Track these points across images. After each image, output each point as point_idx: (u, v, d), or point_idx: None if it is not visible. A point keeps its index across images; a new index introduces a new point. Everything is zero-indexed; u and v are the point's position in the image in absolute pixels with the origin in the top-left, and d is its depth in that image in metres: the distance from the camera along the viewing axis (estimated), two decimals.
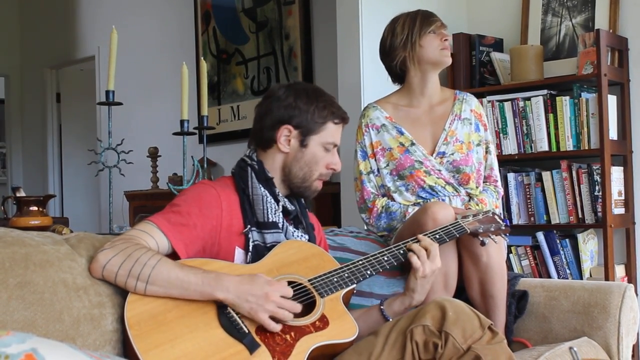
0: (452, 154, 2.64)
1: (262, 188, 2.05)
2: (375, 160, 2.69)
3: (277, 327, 1.76)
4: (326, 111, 2.09)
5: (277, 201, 2.07)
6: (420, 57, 2.64)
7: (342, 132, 2.18)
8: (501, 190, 2.76)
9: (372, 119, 2.71)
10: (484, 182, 2.73)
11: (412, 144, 2.64)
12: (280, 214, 2.07)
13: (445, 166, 2.63)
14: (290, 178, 2.10)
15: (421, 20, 2.64)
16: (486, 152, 2.74)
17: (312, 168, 2.10)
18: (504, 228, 2.32)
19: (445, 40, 2.64)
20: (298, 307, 1.79)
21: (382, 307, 2.07)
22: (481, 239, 2.24)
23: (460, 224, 2.23)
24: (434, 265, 2.03)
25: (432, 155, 2.64)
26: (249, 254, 1.97)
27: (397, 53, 2.68)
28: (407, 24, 2.66)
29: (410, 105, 2.72)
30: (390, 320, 2.02)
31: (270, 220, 2.03)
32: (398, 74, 2.74)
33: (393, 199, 2.65)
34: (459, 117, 2.70)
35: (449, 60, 2.67)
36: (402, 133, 2.66)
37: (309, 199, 2.20)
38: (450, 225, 2.22)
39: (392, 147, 2.66)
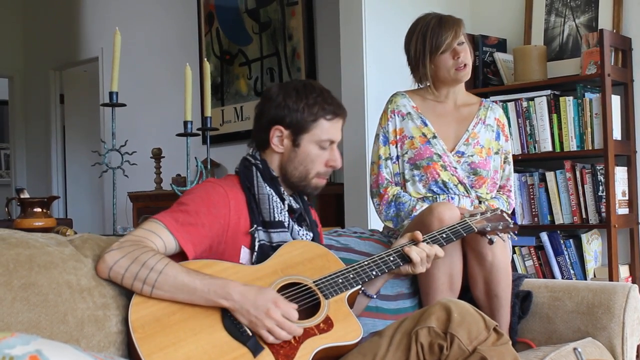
0: (472, 155, 2.64)
1: (268, 187, 2.04)
2: (396, 147, 2.69)
3: (274, 341, 1.74)
4: (316, 107, 2.03)
5: (283, 200, 2.07)
6: (435, 76, 2.65)
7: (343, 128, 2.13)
8: (513, 202, 2.76)
9: (399, 106, 2.71)
10: (497, 191, 2.73)
11: (434, 136, 2.65)
12: (286, 212, 2.07)
13: (462, 166, 2.63)
14: (288, 177, 2.08)
15: (432, 40, 2.59)
16: (504, 162, 2.74)
17: (307, 167, 2.06)
18: (512, 226, 2.30)
19: (458, 57, 2.60)
20: (298, 331, 1.77)
21: (362, 288, 2.08)
22: (489, 237, 2.23)
23: (467, 222, 2.22)
24: (429, 265, 2.08)
25: (451, 152, 2.64)
26: (255, 253, 1.96)
27: (416, 72, 2.69)
28: (419, 44, 2.62)
29: (437, 100, 2.72)
30: (368, 294, 2.08)
31: (277, 219, 2.02)
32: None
33: (406, 189, 2.65)
34: (483, 122, 2.71)
35: (464, 78, 2.65)
36: (425, 124, 2.67)
37: (311, 196, 2.18)
38: (457, 224, 2.21)
39: (414, 136, 2.66)
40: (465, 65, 2.62)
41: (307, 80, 2.15)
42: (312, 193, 2.14)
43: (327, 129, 2.06)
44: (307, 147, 2.06)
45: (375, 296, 2.13)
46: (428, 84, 2.71)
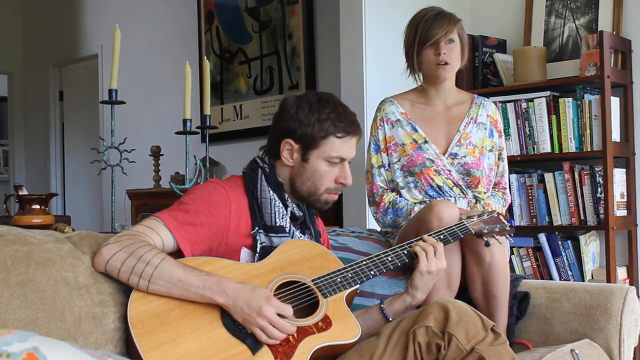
0: (464, 156, 2.64)
1: (272, 192, 2.03)
2: (387, 154, 2.69)
3: (268, 341, 1.73)
4: (327, 123, 2.00)
5: (286, 206, 2.06)
6: (421, 69, 2.66)
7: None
8: (509, 198, 2.76)
9: (387, 114, 2.71)
10: (492, 188, 2.73)
11: (425, 141, 2.65)
12: (288, 218, 2.06)
13: (455, 167, 2.62)
14: (297, 190, 2.07)
15: (422, 32, 2.59)
16: (498, 159, 2.74)
17: (316, 183, 2.04)
18: (508, 229, 2.31)
19: (439, 55, 2.58)
20: (291, 330, 1.76)
21: (382, 305, 2.06)
22: (485, 239, 2.23)
23: (464, 224, 2.22)
24: (439, 263, 2.02)
25: (444, 155, 2.64)
26: (257, 254, 1.96)
27: (406, 61, 2.70)
28: (411, 33, 2.64)
29: (426, 104, 2.72)
30: (391, 319, 2.01)
31: (278, 224, 2.02)
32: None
33: (401, 195, 2.65)
34: (474, 121, 2.70)
35: (444, 76, 2.62)
36: (416, 130, 2.67)
37: (321, 210, 2.13)
38: (454, 225, 2.21)
39: (405, 143, 2.66)
40: (446, 63, 2.59)
41: (325, 93, 2.10)
42: (322, 208, 2.11)
43: (338, 146, 2.03)
44: (316, 163, 2.03)
45: (392, 320, 2.03)
46: (420, 79, 2.72)
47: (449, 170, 2.62)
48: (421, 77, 2.70)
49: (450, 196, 2.62)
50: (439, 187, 2.61)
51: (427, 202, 2.60)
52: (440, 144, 2.66)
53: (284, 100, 2.09)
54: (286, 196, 2.06)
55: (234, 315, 1.74)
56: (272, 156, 2.09)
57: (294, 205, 2.09)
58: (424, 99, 2.73)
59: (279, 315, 1.74)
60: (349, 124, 2.04)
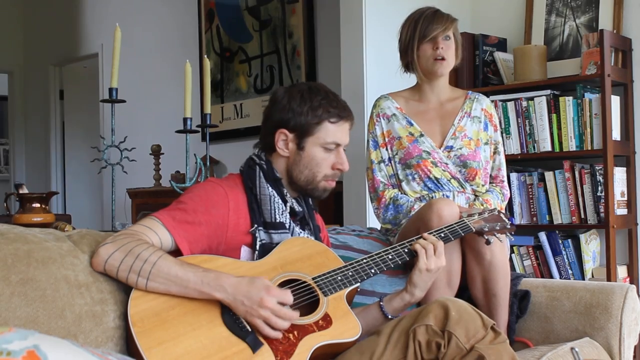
0: (460, 148, 2.66)
1: (270, 188, 2.04)
2: (387, 149, 2.72)
3: (271, 333, 1.73)
4: (320, 110, 2.03)
5: (285, 202, 2.06)
6: (418, 65, 2.68)
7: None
8: (507, 192, 2.77)
9: (383, 109, 2.75)
10: (490, 182, 2.74)
11: (421, 135, 2.68)
12: (288, 214, 2.06)
13: (452, 160, 2.65)
14: (295, 181, 2.07)
15: (422, 28, 2.64)
16: (494, 153, 2.76)
17: (313, 170, 2.06)
18: (509, 227, 2.31)
19: (437, 49, 2.63)
20: (295, 315, 1.77)
21: (381, 303, 2.06)
22: (486, 237, 2.24)
23: (465, 222, 2.22)
24: (439, 262, 2.02)
25: (440, 148, 2.66)
26: (256, 252, 1.96)
27: (402, 57, 2.74)
28: (410, 29, 2.68)
29: (420, 100, 2.76)
30: (390, 317, 2.02)
31: (278, 220, 2.02)
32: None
33: (402, 189, 2.66)
34: (468, 115, 2.73)
35: (441, 71, 2.67)
36: (411, 124, 2.70)
37: (320, 199, 2.15)
38: (455, 223, 2.21)
39: (402, 136, 2.69)
40: (443, 58, 2.64)
41: (313, 83, 2.13)
42: (320, 196, 2.12)
43: (332, 132, 2.05)
44: (312, 150, 2.05)
45: (391, 317, 2.04)
46: (415, 76, 2.74)
47: (446, 163, 2.64)
48: (416, 74, 2.71)
49: (449, 190, 2.63)
50: (436, 179, 2.62)
51: (427, 195, 2.62)
52: (436, 138, 2.70)
53: (274, 92, 2.11)
54: (285, 191, 2.07)
55: (235, 310, 1.74)
56: (267, 150, 2.10)
57: (293, 201, 2.09)
58: (418, 95, 2.77)
59: (281, 304, 1.75)
60: (341, 109, 2.06)
